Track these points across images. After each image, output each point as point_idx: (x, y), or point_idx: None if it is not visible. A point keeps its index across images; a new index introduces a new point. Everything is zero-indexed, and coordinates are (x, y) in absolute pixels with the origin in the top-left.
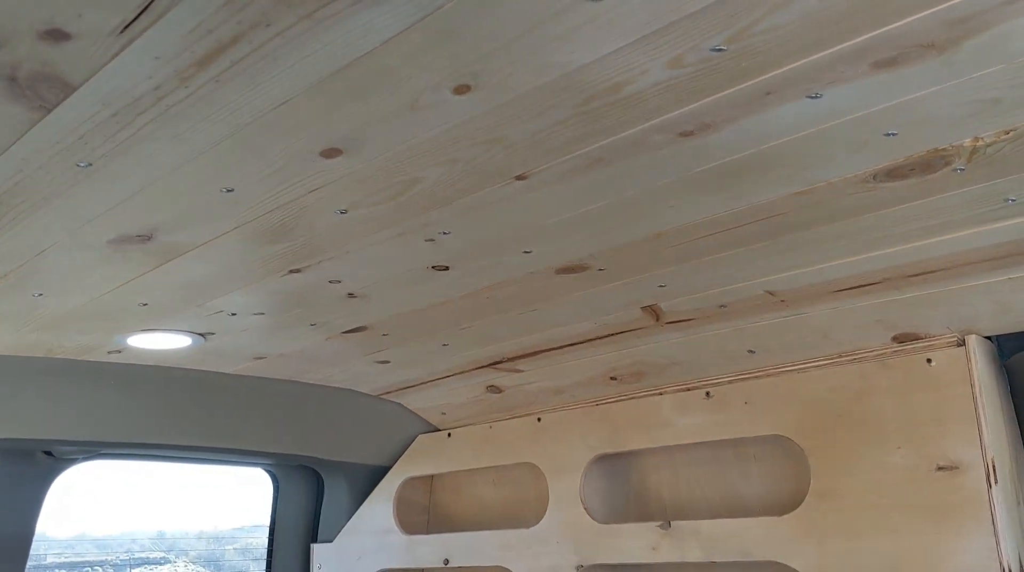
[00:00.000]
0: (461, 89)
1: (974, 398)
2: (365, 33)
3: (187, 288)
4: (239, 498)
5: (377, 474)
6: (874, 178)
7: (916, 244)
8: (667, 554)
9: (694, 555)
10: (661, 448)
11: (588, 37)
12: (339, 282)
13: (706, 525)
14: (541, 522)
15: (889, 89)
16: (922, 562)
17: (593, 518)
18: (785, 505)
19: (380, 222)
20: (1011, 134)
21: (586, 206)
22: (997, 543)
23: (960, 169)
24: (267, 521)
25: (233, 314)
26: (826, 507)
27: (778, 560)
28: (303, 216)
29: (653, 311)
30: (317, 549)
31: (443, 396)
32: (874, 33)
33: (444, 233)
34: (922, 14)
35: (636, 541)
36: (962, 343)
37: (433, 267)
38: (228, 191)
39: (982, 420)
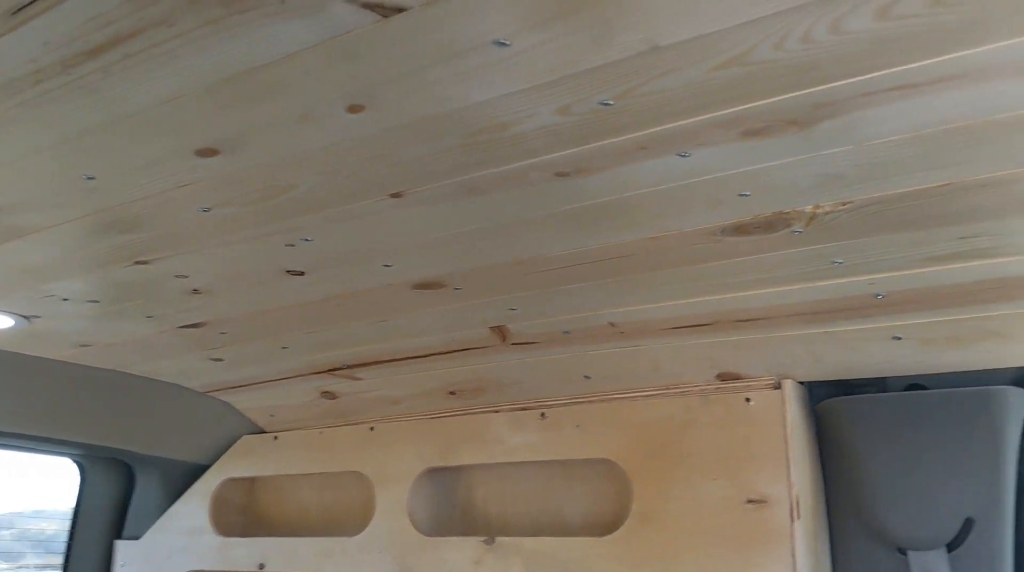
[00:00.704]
0: (355, 108)
1: (785, 438)
2: (269, 45)
3: (22, 270)
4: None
5: (194, 472)
6: (721, 232)
7: (747, 293)
8: (490, 569)
9: (516, 571)
10: (491, 464)
11: (487, 78)
12: (186, 277)
13: (529, 542)
14: (364, 531)
15: (751, 156)
16: None
17: (418, 530)
18: (606, 527)
19: (243, 223)
20: (848, 206)
21: (455, 228)
22: None
23: (798, 231)
24: (50, 507)
25: (65, 299)
26: (644, 530)
27: None
28: (163, 210)
29: (501, 332)
30: (122, 546)
31: (274, 398)
32: (748, 106)
33: (306, 239)
34: (792, 94)
35: (459, 555)
36: (778, 386)
37: (288, 271)
38: (89, 179)
39: (791, 459)
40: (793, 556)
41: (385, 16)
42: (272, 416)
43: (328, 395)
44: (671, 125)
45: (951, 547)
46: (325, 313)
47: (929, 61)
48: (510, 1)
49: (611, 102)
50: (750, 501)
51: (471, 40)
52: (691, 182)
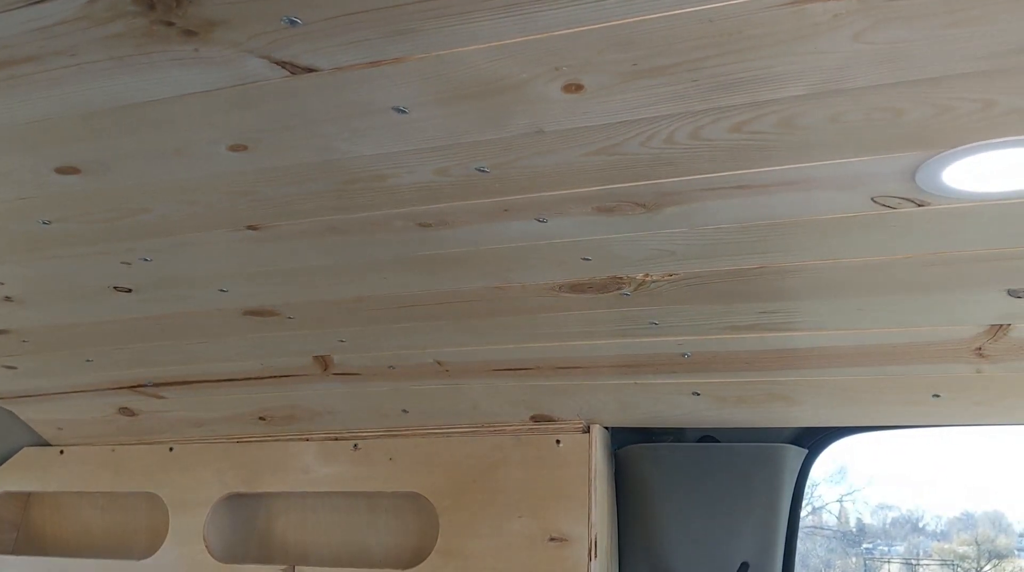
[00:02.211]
0: (237, 147)
1: (590, 480)
2: (166, 85)
3: None
4: None
5: None
6: (559, 288)
7: (569, 343)
8: None
9: None
10: (295, 493)
11: (378, 137)
12: (2, 284)
13: None
14: (155, 555)
15: (600, 228)
16: None
17: (214, 556)
18: (409, 560)
19: (83, 239)
20: (672, 277)
21: (305, 263)
22: None
23: (627, 294)
24: None
25: None
26: (448, 566)
27: None
28: None
29: (324, 361)
30: None
31: (65, 411)
32: (606, 187)
33: (145, 259)
34: (647, 182)
35: None
36: (587, 430)
37: (115, 288)
38: None
39: (593, 500)
40: None
41: (294, 74)
42: (60, 429)
43: (126, 411)
44: (536, 194)
45: None
46: (142, 330)
47: (768, 168)
48: (420, 78)
49: (488, 169)
50: (552, 539)
51: (371, 104)
52: (543, 243)
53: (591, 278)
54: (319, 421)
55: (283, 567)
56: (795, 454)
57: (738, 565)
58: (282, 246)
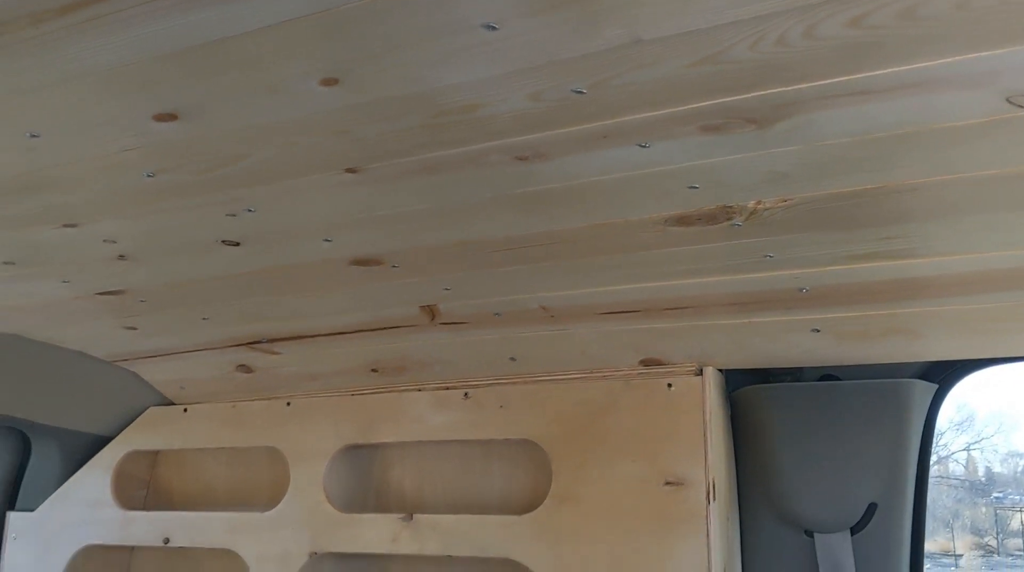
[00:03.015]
0: (329, 82)
1: (704, 423)
2: (250, 15)
3: None
4: None
5: (95, 444)
6: (665, 222)
7: (679, 282)
8: (406, 546)
9: (433, 548)
10: (409, 443)
11: (467, 61)
12: (114, 242)
13: (447, 520)
14: (277, 508)
15: (706, 150)
16: (643, 565)
17: (334, 506)
18: (524, 506)
19: (187, 190)
20: (787, 202)
21: (405, 207)
22: (708, 553)
23: (738, 225)
24: None
25: None
26: (563, 510)
27: (512, 557)
28: (105, 173)
29: (431, 311)
30: (14, 518)
31: (186, 370)
32: (713, 102)
33: (249, 210)
34: (757, 93)
35: (376, 532)
36: (700, 373)
37: (223, 241)
38: (33, 137)
39: (708, 443)
40: (707, 536)
41: None
42: (182, 388)
43: (243, 368)
44: (637, 116)
45: (855, 530)
46: (253, 285)
47: (889, 70)
48: None
49: (584, 90)
50: (668, 483)
51: (461, 21)
52: (646, 172)
53: (699, 209)
54: (429, 371)
55: (401, 515)
56: (923, 389)
57: (865, 507)
58: (381, 189)
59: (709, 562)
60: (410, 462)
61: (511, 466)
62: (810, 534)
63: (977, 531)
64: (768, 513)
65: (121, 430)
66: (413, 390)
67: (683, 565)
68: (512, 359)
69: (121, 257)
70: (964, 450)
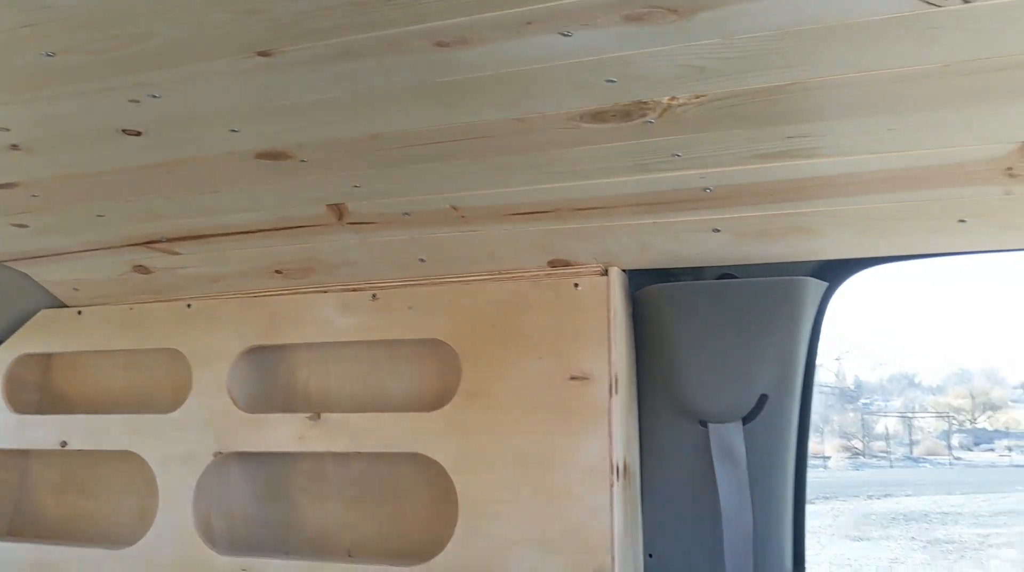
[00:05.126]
0: None
1: (609, 321)
2: None
3: None
4: None
5: None
6: (581, 118)
7: (588, 182)
8: (314, 444)
9: (340, 445)
10: (315, 344)
11: None
12: (7, 130)
13: (356, 418)
14: (180, 409)
15: (628, 41)
16: (549, 457)
17: (239, 407)
18: (432, 405)
19: (88, 72)
20: (700, 99)
21: (318, 95)
22: (610, 443)
23: (650, 122)
24: None
25: None
26: (472, 406)
27: (422, 452)
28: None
29: (339, 210)
30: None
31: (80, 271)
32: None
33: (154, 96)
34: None
35: (282, 431)
36: (605, 273)
37: (125, 131)
38: None
39: (612, 340)
40: (610, 428)
41: None
42: (76, 290)
43: (141, 269)
44: (562, 1)
45: (746, 420)
46: (153, 179)
47: None
48: None
49: None
50: (573, 378)
51: None
52: (566, 63)
53: (614, 104)
54: (336, 273)
55: (308, 415)
56: (815, 287)
57: (756, 398)
58: (294, 76)
59: (611, 452)
60: (316, 364)
61: (418, 367)
62: (704, 424)
63: (845, 435)
64: (666, 405)
65: (11, 334)
66: (319, 292)
67: (586, 455)
68: (421, 260)
69: (14, 147)
70: (836, 360)
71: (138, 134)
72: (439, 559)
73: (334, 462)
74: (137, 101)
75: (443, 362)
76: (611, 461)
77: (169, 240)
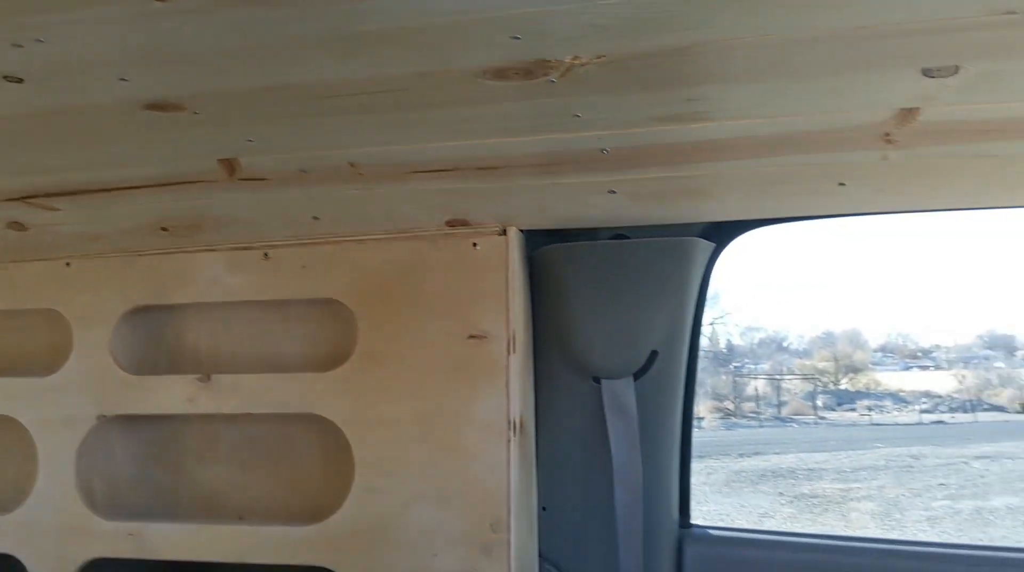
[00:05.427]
0: None
1: (507, 280)
2: None
3: None
4: None
5: None
6: (484, 74)
7: (488, 141)
8: (203, 406)
9: (232, 407)
10: (204, 304)
11: None
12: None
13: (248, 379)
14: (59, 372)
15: None
16: (447, 415)
17: (123, 369)
18: (327, 366)
19: None
20: (602, 59)
21: (215, 42)
22: (508, 401)
23: (552, 81)
24: None
25: None
26: (369, 366)
27: (315, 412)
28: None
29: (230, 165)
30: None
31: None
32: None
33: (39, 40)
34: None
35: (170, 392)
36: (503, 233)
37: (5, 77)
38: None
39: (510, 299)
40: (507, 385)
41: None
42: None
43: (16, 226)
44: None
45: (637, 376)
46: (32, 131)
47: None
48: None
49: None
50: (471, 337)
51: None
52: (472, 18)
53: (518, 61)
54: (226, 231)
55: (198, 376)
56: (704, 248)
57: (647, 355)
58: (191, 20)
59: (508, 409)
60: (205, 324)
61: (312, 327)
62: (597, 380)
63: (718, 397)
64: (560, 363)
65: None
66: (207, 251)
67: (484, 412)
68: (315, 218)
69: None
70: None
71: (20, 81)
72: (335, 517)
73: (226, 424)
74: (21, 45)
75: (338, 322)
76: (508, 417)
77: (47, 195)
